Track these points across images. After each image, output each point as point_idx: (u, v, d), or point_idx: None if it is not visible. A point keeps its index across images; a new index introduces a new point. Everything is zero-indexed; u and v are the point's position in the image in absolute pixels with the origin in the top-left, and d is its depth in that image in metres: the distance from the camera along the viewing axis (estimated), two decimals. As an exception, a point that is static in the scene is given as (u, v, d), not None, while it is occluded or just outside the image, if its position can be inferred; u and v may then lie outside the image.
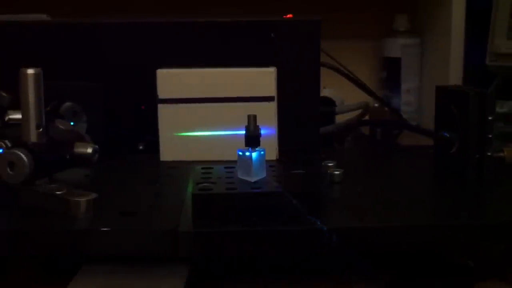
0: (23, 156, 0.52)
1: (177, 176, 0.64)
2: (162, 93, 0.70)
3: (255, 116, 0.56)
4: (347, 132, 0.88)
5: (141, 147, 0.74)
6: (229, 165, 0.59)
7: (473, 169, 0.61)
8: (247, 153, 0.54)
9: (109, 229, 0.48)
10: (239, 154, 0.55)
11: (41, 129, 0.54)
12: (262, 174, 0.55)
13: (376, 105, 1.00)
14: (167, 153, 0.71)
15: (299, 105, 0.73)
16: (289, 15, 0.76)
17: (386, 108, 0.99)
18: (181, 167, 0.68)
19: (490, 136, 0.60)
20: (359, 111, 0.93)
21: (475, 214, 0.53)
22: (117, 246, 0.49)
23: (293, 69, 0.73)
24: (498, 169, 0.61)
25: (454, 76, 1.02)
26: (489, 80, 1.06)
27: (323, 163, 0.64)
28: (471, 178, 0.61)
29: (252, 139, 0.54)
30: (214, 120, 0.70)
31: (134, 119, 0.74)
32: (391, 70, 1.12)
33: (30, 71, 0.54)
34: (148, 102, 0.72)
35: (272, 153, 0.70)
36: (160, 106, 0.70)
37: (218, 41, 0.74)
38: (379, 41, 1.14)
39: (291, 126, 0.73)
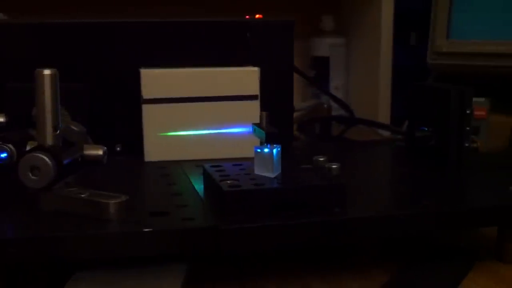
0: (47, 160, 0.51)
1: (175, 176, 0.65)
2: (146, 93, 0.70)
3: (268, 114, 0.58)
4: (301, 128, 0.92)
5: (118, 149, 0.73)
6: (231, 162, 0.61)
7: (454, 160, 0.66)
8: (266, 150, 0.56)
9: (151, 229, 0.48)
10: (257, 151, 0.56)
11: (58, 131, 0.53)
12: (279, 170, 0.56)
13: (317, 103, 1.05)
14: (151, 154, 0.70)
15: (274, 102, 0.75)
16: (259, 15, 0.78)
17: (325, 105, 1.04)
18: (169, 167, 0.68)
19: (468, 128, 0.66)
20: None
21: (472, 200, 0.57)
22: (159, 246, 0.49)
23: (268, 67, 0.74)
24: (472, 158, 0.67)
25: (384, 74, 1.09)
26: (411, 77, 1.14)
27: (314, 158, 0.66)
28: (452, 168, 0.66)
29: (273, 136, 0.55)
30: (199, 119, 0.71)
31: (111, 120, 0.73)
32: (320, 69, 1.17)
33: (47, 71, 0.52)
34: (127, 102, 0.71)
35: (256, 150, 0.72)
36: (144, 106, 0.70)
37: (194, 41, 0.75)
38: (308, 41, 1.19)
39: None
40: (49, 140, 0.52)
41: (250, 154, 0.71)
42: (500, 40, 0.87)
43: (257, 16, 0.77)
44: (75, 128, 0.56)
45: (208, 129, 0.71)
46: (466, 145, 0.66)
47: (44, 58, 0.71)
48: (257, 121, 0.71)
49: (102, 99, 0.72)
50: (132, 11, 1.03)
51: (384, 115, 1.09)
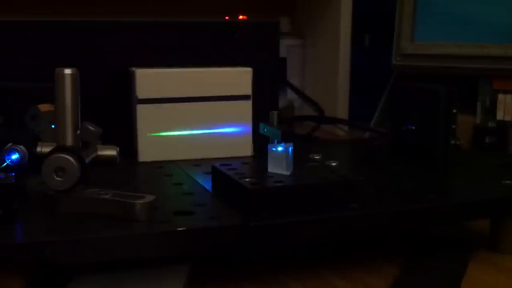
0: (73, 160, 0.50)
1: (177, 175, 0.65)
2: (141, 93, 0.69)
3: (278, 113, 0.59)
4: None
5: (107, 149, 0.72)
6: (239, 161, 0.62)
7: (442, 157, 0.69)
8: (280, 148, 0.57)
9: (184, 228, 0.49)
10: (271, 150, 0.57)
11: (78, 132, 0.52)
12: (292, 168, 0.58)
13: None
14: (145, 154, 0.70)
15: (260, 102, 0.76)
16: (243, 16, 0.79)
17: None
18: (167, 167, 0.68)
19: (454, 126, 0.69)
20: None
21: (474, 193, 0.61)
22: (193, 245, 0.49)
23: (254, 67, 0.75)
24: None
25: (343, 74, 1.12)
26: (366, 78, 1.18)
27: (310, 156, 0.68)
28: (440, 164, 0.69)
29: (289, 135, 0.57)
30: (192, 119, 0.71)
31: (100, 120, 0.72)
32: (278, 70, 1.19)
33: (67, 71, 0.51)
34: (117, 102, 0.71)
35: (248, 149, 0.73)
36: (139, 106, 0.69)
37: (183, 41, 0.75)
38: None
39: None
40: (70, 140, 0.52)
41: (244, 153, 0.72)
42: (462, 43, 0.91)
43: (240, 17, 0.78)
44: (91, 128, 0.55)
45: (201, 129, 0.71)
46: (452, 142, 0.69)
47: (33, 58, 0.70)
48: (250, 120, 0.73)
49: (92, 99, 0.71)
50: (118, 11, 1.02)
51: (342, 115, 1.12)
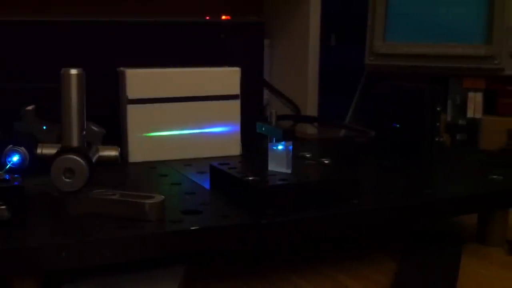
0: (82, 162, 0.50)
1: (173, 175, 0.64)
2: (131, 93, 0.69)
3: (275, 112, 0.59)
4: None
5: (95, 150, 0.71)
6: (237, 160, 0.62)
7: (428, 153, 0.71)
8: (280, 147, 0.58)
9: (197, 227, 0.49)
10: (272, 149, 0.58)
11: (84, 133, 0.52)
12: (291, 166, 0.58)
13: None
14: (136, 154, 0.70)
15: (246, 101, 0.77)
16: (227, 17, 0.79)
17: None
18: (160, 167, 0.67)
19: (438, 124, 0.71)
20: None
21: (466, 188, 0.63)
22: (206, 244, 0.49)
23: (240, 67, 0.75)
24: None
25: (312, 74, 1.13)
26: (333, 76, 1.20)
27: (300, 154, 0.69)
28: (426, 161, 0.71)
29: (289, 134, 0.57)
30: (182, 119, 0.71)
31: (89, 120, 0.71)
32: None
33: (73, 71, 0.51)
34: (106, 103, 0.70)
35: (237, 149, 0.73)
36: (129, 106, 0.69)
37: (169, 41, 0.75)
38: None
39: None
40: (76, 141, 0.51)
41: (232, 152, 0.73)
42: (433, 43, 0.94)
43: (223, 17, 0.79)
44: (95, 129, 0.54)
45: (191, 128, 0.71)
46: (437, 139, 0.71)
47: (27, 58, 0.68)
48: (238, 120, 0.73)
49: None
50: (106, 11, 1.00)
51: (312, 114, 1.13)
